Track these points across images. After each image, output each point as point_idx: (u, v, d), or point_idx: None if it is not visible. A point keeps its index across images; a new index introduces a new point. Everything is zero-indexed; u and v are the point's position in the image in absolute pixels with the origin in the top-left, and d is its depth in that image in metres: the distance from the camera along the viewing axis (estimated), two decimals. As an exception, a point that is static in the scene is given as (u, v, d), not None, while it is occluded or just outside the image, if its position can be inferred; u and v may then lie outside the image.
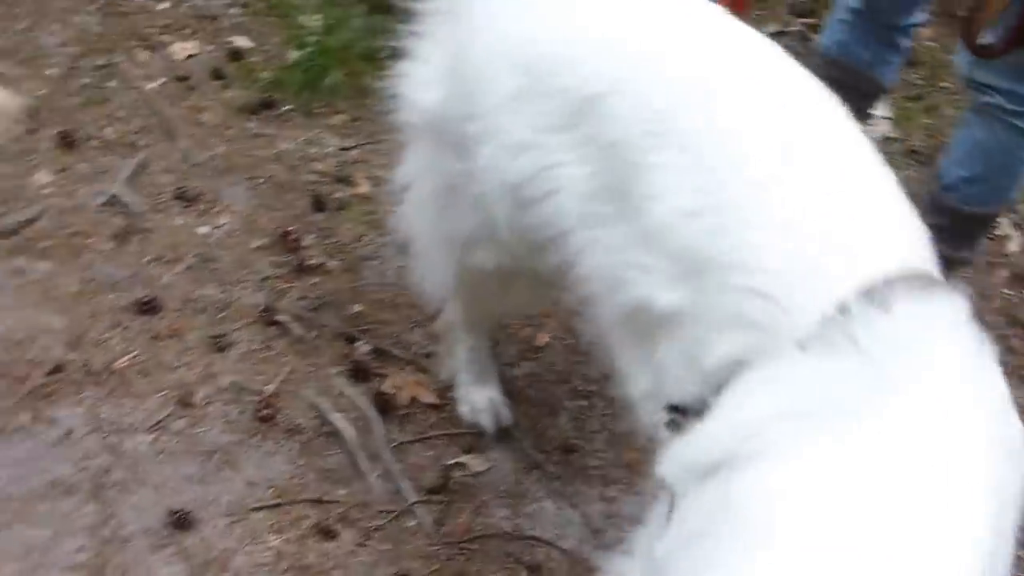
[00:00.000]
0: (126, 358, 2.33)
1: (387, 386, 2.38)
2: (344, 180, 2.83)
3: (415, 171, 2.00)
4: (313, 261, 2.59)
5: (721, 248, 1.33)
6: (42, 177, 2.70)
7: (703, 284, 1.35)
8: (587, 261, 1.56)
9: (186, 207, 2.69)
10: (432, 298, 2.19)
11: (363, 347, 2.45)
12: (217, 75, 3.11)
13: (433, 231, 1.99)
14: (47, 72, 3.05)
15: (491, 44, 1.66)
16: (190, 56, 3.18)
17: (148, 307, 2.42)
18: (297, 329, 2.45)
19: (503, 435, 2.32)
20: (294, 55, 3.17)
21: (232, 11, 3.39)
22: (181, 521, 2.05)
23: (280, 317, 2.45)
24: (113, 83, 3.05)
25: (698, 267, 1.36)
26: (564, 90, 1.54)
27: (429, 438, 2.31)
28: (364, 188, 2.81)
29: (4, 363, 2.27)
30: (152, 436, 2.21)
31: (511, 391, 2.39)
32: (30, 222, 2.57)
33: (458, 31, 1.75)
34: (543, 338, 2.55)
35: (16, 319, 2.36)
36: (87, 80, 3.04)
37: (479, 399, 2.31)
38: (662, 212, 1.40)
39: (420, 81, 1.84)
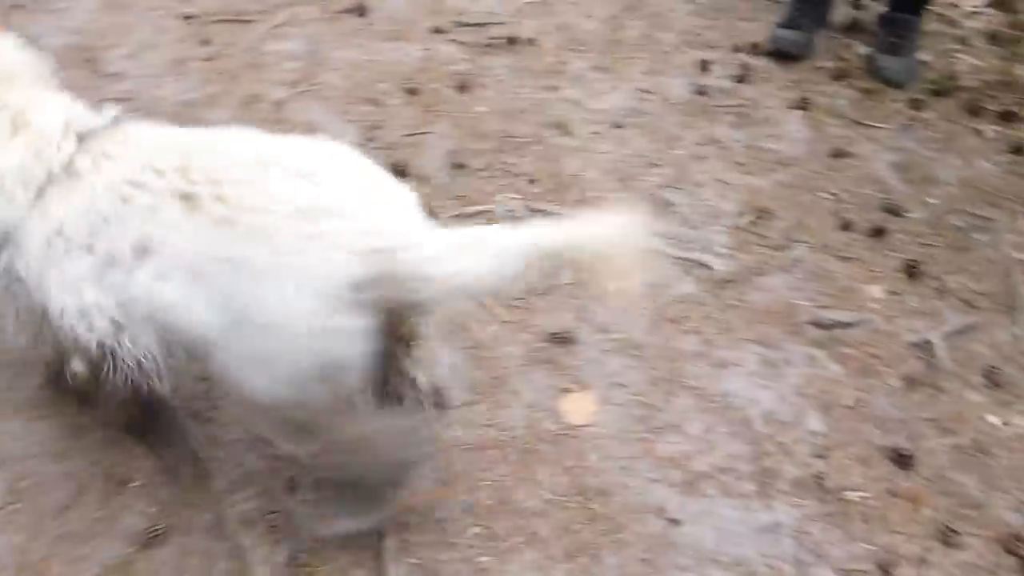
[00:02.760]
0: (857, 494, 2.32)
1: None
2: None
3: None
4: (1093, 519, 2.27)
5: None
6: (875, 291, 2.79)
7: None
8: None
9: (988, 388, 2.55)
10: None
11: (1097, 639, 2.09)
12: (1091, 276, 2.87)
13: None
14: (926, 197, 3.14)
15: None
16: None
17: (902, 461, 2.37)
18: (1040, 576, 2.18)
19: None
20: None
21: None
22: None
23: (1027, 553, 2.21)
24: (982, 236, 3.00)
25: None
26: None
27: None
28: None
29: (762, 436, 2.43)
30: (837, 583, 2.18)
31: None
32: (845, 325, 2.69)
33: None
34: None
35: (785, 401, 2.51)
36: (959, 223, 3.04)
37: None
38: None
39: None
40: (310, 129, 3.23)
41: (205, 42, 3.63)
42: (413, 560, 2.17)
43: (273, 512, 2.20)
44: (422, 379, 2.02)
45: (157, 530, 2.17)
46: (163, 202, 1.69)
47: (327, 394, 1.74)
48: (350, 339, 1.66)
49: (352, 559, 2.16)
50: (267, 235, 1.61)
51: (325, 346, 1.65)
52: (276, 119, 3.27)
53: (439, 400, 2.22)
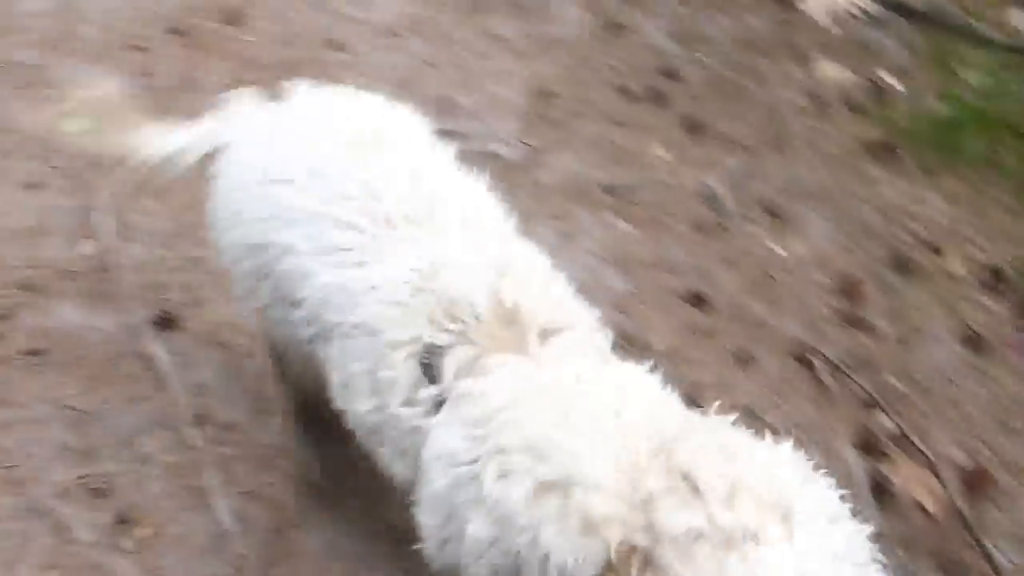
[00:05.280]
0: (663, 343, 2.45)
1: (893, 475, 2.21)
2: (934, 249, 2.63)
3: None
4: (869, 318, 2.47)
5: None
6: (658, 151, 2.91)
7: None
8: None
9: (768, 221, 2.72)
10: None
11: (885, 423, 2.29)
12: (851, 105, 3.06)
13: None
14: (699, 56, 3.26)
15: None
16: (832, 79, 3.17)
17: (698, 300, 2.51)
18: (825, 377, 2.36)
19: None
20: (940, 107, 2.99)
21: (892, 46, 3.30)
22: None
23: (814, 358, 2.39)
24: (751, 83, 3.15)
25: None
26: None
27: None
28: (953, 265, 2.59)
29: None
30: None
31: None
32: (632, 187, 2.80)
33: None
34: None
35: (584, 267, 2.60)
36: (732, 75, 3.18)
37: None
38: None
39: None
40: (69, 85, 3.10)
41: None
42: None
43: (87, 475, 2.15)
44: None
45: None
46: None
47: None
48: None
49: (181, 505, 2.13)
50: None
51: None
52: (35, 82, 3.12)
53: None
